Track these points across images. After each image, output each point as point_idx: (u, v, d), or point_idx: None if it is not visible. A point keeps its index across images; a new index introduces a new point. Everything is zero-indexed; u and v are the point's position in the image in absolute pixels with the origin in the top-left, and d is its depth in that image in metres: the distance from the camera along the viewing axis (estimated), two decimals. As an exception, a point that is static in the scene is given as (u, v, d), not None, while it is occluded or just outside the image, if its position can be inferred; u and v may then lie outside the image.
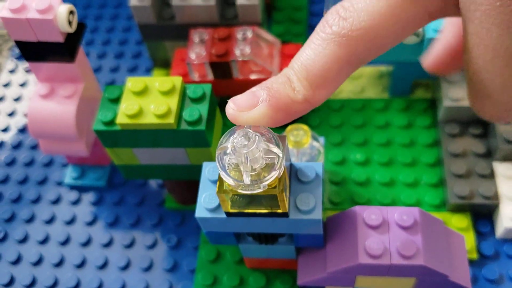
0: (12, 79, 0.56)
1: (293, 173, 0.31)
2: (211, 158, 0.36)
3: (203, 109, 0.34)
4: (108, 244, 0.44)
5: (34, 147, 0.51)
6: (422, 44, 0.42)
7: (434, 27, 0.40)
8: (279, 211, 0.29)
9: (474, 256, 0.39)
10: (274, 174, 0.26)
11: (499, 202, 0.40)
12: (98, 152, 0.46)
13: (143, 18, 0.48)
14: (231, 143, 0.26)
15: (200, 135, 0.34)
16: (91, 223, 0.45)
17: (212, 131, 0.36)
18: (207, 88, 0.35)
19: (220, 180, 0.28)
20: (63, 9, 0.36)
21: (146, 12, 0.47)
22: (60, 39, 0.37)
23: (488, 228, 0.41)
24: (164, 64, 0.53)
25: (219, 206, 0.30)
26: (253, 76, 0.44)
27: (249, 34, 0.44)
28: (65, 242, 0.44)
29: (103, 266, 0.43)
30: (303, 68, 0.25)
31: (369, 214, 0.31)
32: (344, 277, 0.33)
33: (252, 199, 0.29)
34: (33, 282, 0.43)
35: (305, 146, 0.38)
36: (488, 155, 0.42)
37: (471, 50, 0.23)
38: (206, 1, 0.46)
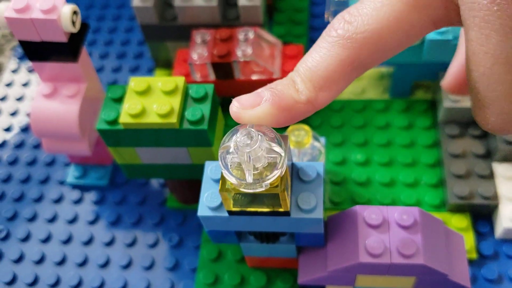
0: (14, 79, 0.57)
1: (294, 173, 0.31)
2: (213, 158, 0.36)
3: (205, 108, 0.35)
4: (110, 243, 0.44)
5: (37, 146, 0.51)
6: (423, 45, 0.42)
7: (434, 28, 0.40)
8: (281, 210, 0.29)
9: (474, 256, 0.39)
10: (276, 173, 0.27)
11: (498, 203, 0.40)
12: (100, 152, 0.46)
13: (146, 18, 0.48)
14: (234, 142, 0.26)
15: (202, 134, 0.35)
16: (93, 222, 0.45)
17: (214, 130, 0.36)
18: (210, 88, 0.36)
19: (222, 179, 0.28)
20: (67, 9, 0.36)
21: (148, 12, 0.47)
22: (64, 39, 0.37)
23: (487, 228, 0.41)
24: (166, 64, 0.53)
25: (221, 204, 0.31)
26: (254, 77, 0.45)
27: (251, 35, 0.44)
28: (67, 240, 0.45)
29: (105, 264, 0.43)
30: (308, 70, 0.25)
31: (370, 213, 0.32)
32: (344, 276, 0.33)
33: (254, 198, 0.29)
34: (35, 280, 0.43)
35: (306, 146, 0.38)
36: (488, 156, 0.42)
37: (472, 57, 0.23)
38: (208, 2, 0.46)
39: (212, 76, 0.45)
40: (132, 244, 0.44)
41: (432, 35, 0.40)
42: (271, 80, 0.38)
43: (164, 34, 0.50)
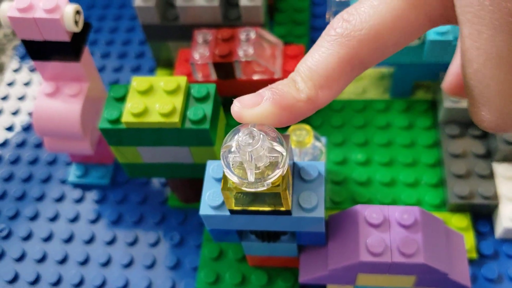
0: (16, 78, 0.57)
1: (296, 172, 0.31)
2: (215, 157, 0.37)
3: (207, 108, 0.35)
4: (111, 242, 0.44)
5: (38, 145, 0.51)
6: (423, 46, 0.42)
7: (435, 29, 0.41)
8: (282, 209, 0.29)
9: (474, 255, 0.40)
10: (278, 173, 0.27)
11: (498, 202, 0.40)
12: (102, 151, 0.46)
13: (147, 18, 0.48)
14: (236, 141, 0.26)
15: (204, 134, 0.35)
16: (94, 221, 0.46)
17: (215, 130, 0.36)
18: (211, 87, 0.36)
19: (224, 178, 0.28)
20: (70, 9, 0.36)
21: (150, 12, 0.48)
22: (66, 38, 0.38)
23: (487, 228, 0.41)
24: (167, 64, 0.54)
25: (223, 203, 0.31)
26: (256, 77, 0.45)
27: (252, 35, 0.44)
28: (69, 239, 0.45)
29: (107, 263, 0.43)
30: (308, 69, 0.25)
31: (371, 212, 0.32)
32: (345, 275, 0.33)
33: (256, 197, 0.29)
34: (37, 278, 0.43)
35: (308, 146, 0.38)
36: (488, 156, 0.42)
37: (465, 54, 0.23)
38: (209, 2, 0.46)
39: (213, 76, 0.45)
40: (133, 243, 0.44)
41: (432, 36, 0.41)
42: (272, 80, 0.38)
43: (165, 34, 0.50)
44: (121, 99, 0.36)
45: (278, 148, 0.27)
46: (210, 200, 0.31)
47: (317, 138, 0.39)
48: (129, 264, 0.43)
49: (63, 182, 0.48)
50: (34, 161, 0.50)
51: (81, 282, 0.42)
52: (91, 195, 0.47)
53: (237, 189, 0.28)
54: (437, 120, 0.46)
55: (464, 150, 0.43)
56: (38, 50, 0.39)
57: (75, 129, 0.41)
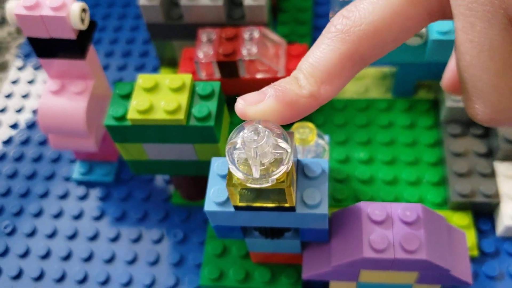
0: (20, 76, 0.57)
1: (299, 169, 0.32)
2: (219, 154, 0.37)
3: (212, 105, 0.35)
4: (115, 239, 0.45)
5: (42, 143, 0.52)
6: (425, 45, 0.43)
7: (437, 29, 0.41)
8: (286, 205, 0.30)
9: (475, 253, 0.40)
10: (283, 169, 0.27)
11: (499, 201, 0.40)
12: (106, 149, 0.47)
13: (152, 17, 0.49)
14: (241, 138, 0.27)
15: (209, 131, 0.35)
16: (98, 218, 0.46)
17: (220, 127, 0.37)
18: (216, 85, 0.36)
19: (229, 174, 0.28)
20: (76, 7, 0.37)
21: (154, 11, 0.48)
22: (72, 36, 0.38)
23: (488, 226, 0.41)
24: (171, 63, 0.54)
25: (227, 200, 0.31)
26: (259, 75, 0.45)
27: (256, 34, 0.45)
28: (73, 236, 0.45)
29: (111, 260, 0.43)
30: (309, 66, 0.26)
31: (373, 209, 0.32)
32: (348, 271, 0.33)
33: (260, 193, 0.30)
34: (41, 275, 0.43)
35: (311, 144, 0.39)
36: (489, 154, 0.43)
37: (459, 47, 0.23)
38: (214, 1, 0.47)
39: (217, 75, 0.46)
40: (137, 239, 0.44)
41: (435, 35, 0.41)
42: (275, 79, 0.38)
43: (169, 32, 0.50)
44: (127, 97, 0.37)
45: (283, 144, 0.27)
46: (215, 196, 0.31)
47: (320, 136, 0.40)
48: (133, 261, 0.43)
49: (67, 179, 0.49)
50: (38, 159, 0.51)
51: (85, 278, 0.43)
52: (95, 192, 0.48)
53: (242, 185, 0.28)
54: (439, 119, 0.46)
55: (466, 149, 0.43)
56: (44, 48, 0.39)
57: (80, 126, 0.41)
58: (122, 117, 0.36)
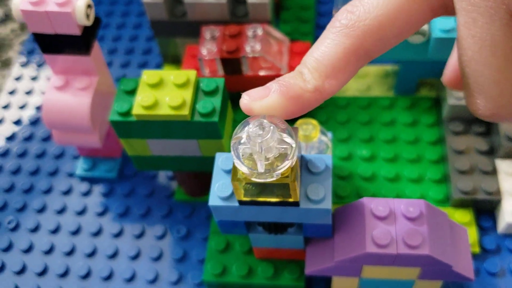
0: (23, 73, 0.57)
1: (303, 165, 0.32)
2: (222, 151, 0.37)
3: (216, 102, 0.36)
4: (118, 234, 0.45)
5: (46, 139, 0.52)
6: (428, 43, 0.43)
7: (440, 27, 0.41)
8: (291, 200, 0.30)
9: (477, 250, 0.40)
10: (287, 164, 0.27)
11: (501, 198, 0.41)
12: (110, 145, 0.47)
13: (156, 14, 0.49)
14: (246, 132, 0.27)
15: (213, 126, 0.35)
16: (101, 214, 0.46)
17: (224, 124, 0.37)
18: (220, 82, 0.36)
19: (234, 169, 0.29)
20: (82, 3, 0.37)
21: (158, 8, 0.48)
22: (77, 32, 0.38)
23: (490, 223, 0.42)
24: (174, 60, 0.54)
25: (231, 195, 0.31)
26: (262, 73, 0.45)
27: (259, 31, 0.45)
28: (76, 232, 0.45)
29: (114, 255, 0.44)
30: (314, 60, 0.26)
31: (377, 205, 0.32)
32: (351, 267, 0.33)
33: (265, 188, 0.30)
34: (45, 270, 0.44)
35: (314, 140, 0.39)
36: (491, 152, 0.43)
37: (461, 42, 0.23)
38: (217, -2, 0.47)
39: (220, 72, 0.46)
40: (140, 235, 0.44)
41: (437, 33, 0.41)
42: (278, 76, 0.38)
43: (173, 30, 0.50)
44: (131, 92, 0.37)
45: (288, 139, 0.27)
46: (219, 191, 0.31)
47: (323, 132, 0.40)
48: (136, 256, 0.43)
49: (71, 175, 0.49)
50: (41, 155, 0.51)
51: (88, 273, 0.43)
52: (99, 188, 0.48)
53: (246, 179, 0.28)
54: (441, 117, 0.46)
55: (468, 146, 0.43)
56: (49, 44, 0.39)
57: (84, 122, 0.41)
58: (127, 113, 0.36)
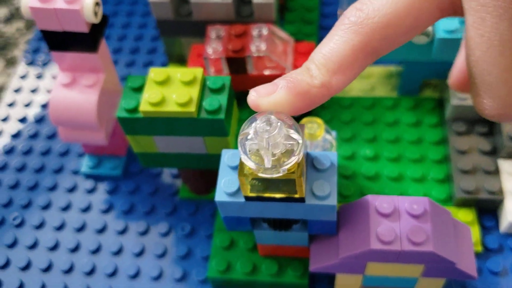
0: (28, 71, 0.58)
1: (309, 161, 0.32)
2: (228, 148, 0.37)
3: (222, 99, 0.36)
4: (123, 231, 0.45)
5: (51, 137, 0.52)
6: (432, 44, 0.43)
7: (444, 27, 0.42)
8: (296, 196, 0.30)
9: (479, 249, 0.40)
10: (294, 160, 0.28)
11: (503, 198, 0.41)
12: (115, 143, 0.47)
13: (161, 14, 0.49)
14: (254, 128, 0.27)
15: (219, 124, 0.36)
16: (106, 211, 0.46)
17: (230, 121, 0.37)
18: (227, 79, 0.37)
19: (241, 164, 0.29)
20: (90, 0, 0.37)
21: (164, 8, 0.49)
22: (85, 29, 0.38)
23: (492, 222, 0.42)
24: (178, 60, 0.55)
25: (238, 190, 0.31)
26: (267, 72, 0.46)
27: (265, 31, 0.45)
28: (81, 228, 0.46)
29: (118, 252, 0.44)
30: (322, 56, 0.26)
31: (381, 203, 0.33)
32: (355, 263, 0.34)
33: (271, 184, 0.30)
34: (50, 266, 0.44)
35: (318, 139, 0.39)
36: (494, 152, 0.43)
37: (469, 42, 0.24)
38: (223, -2, 0.47)
39: (225, 71, 0.46)
40: (145, 232, 0.45)
41: (441, 34, 0.42)
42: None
43: (178, 29, 0.51)
44: (138, 89, 0.37)
45: (295, 135, 0.28)
46: (226, 187, 0.32)
47: (328, 131, 0.40)
48: (140, 253, 0.44)
49: (75, 173, 0.49)
50: (46, 152, 0.51)
51: (93, 270, 0.43)
52: (103, 186, 0.48)
53: (253, 175, 0.29)
54: (444, 118, 0.46)
55: (471, 146, 0.44)
56: (57, 41, 0.40)
57: (91, 118, 0.42)
58: (134, 109, 0.36)
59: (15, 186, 0.49)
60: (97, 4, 0.38)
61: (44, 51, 0.59)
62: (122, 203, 0.47)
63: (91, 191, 0.48)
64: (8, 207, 0.48)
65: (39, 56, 0.59)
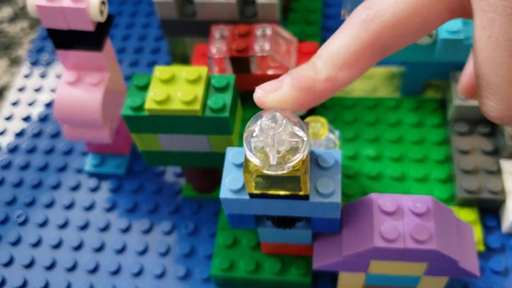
0: (33, 71, 0.58)
1: (313, 159, 0.32)
2: (232, 146, 0.38)
3: (227, 98, 0.36)
4: (126, 230, 0.45)
5: (54, 135, 0.52)
6: (435, 45, 0.44)
7: (447, 28, 0.42)
8: (301, 193, 0.30)
9: (481, 248, 0.41)
10: (298, 157, 0.28)
11: (505, 197, 0.41)
12: (119, 141, 0.47)
13: (166, 13, 0.49)
14: (259, 125, 0.27)
15: (223, 122, 0.36)
16: (110, 209, 0.47)
17: (234, 120, 0.37)
18: (231, 78, 0.37)
19: (246, 161, 0.29)
20: (96, -1, 0.37)
21: (169, 7, 0.49)
22: (91, 28, 0.39)
23: (494, 222, 0.42)
24: (182, 59, 0.55)
25: (242, 188, 0.32)
26: (270, 72, 0.46)
27: (268, 31, 0.46)
28: (84, 227, 0.46)
29: (122, 250, 0.44)
30: (329, 51, 0.26)
31: (385, 201, 0.33)
32: (358, 262, 0.34)
33: (275, 181, 0.30)
34: (53, 264, 0.44)
35: (322, 138, 0.39)
36: (496, 152, 0.44)
37: (477, 43, 0.23)
38: (227, -2, 0.48)
39: (229, 70, 0.46)
40: (148, 231, 0.45)
41: (444, 35, 0.42)
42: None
43: (182, 29, 0.51)
44: (144, 88, 0.37)
45: (300, 133, 0.28)
46: (230, 184, 0.32)
47: (331, 130, 0.40)
48: (143, 252, 0.44)
49: (79, 171, 0.49)
50: (50, 151, 0.51)
51: (96, 268, 0.43)
52: (107, 184, 0.48)
53: (258, 172, 0.29)
54: (446, 119, 0.47)
55: (473, 146, 0.44)
56: (62, 39, 0.40)
57: (96, 117, 0.42)
58: (140, 107, 0.36)
59: (19, 184, 0.49)
60: (103, 3, 0.38)
61: (47, 51, 0.60)
62: (125, 201, 0.47)
63: (94, 189, 0.48)
64: (12, 205, 0.48)
65: (43, 55, 0.59)
